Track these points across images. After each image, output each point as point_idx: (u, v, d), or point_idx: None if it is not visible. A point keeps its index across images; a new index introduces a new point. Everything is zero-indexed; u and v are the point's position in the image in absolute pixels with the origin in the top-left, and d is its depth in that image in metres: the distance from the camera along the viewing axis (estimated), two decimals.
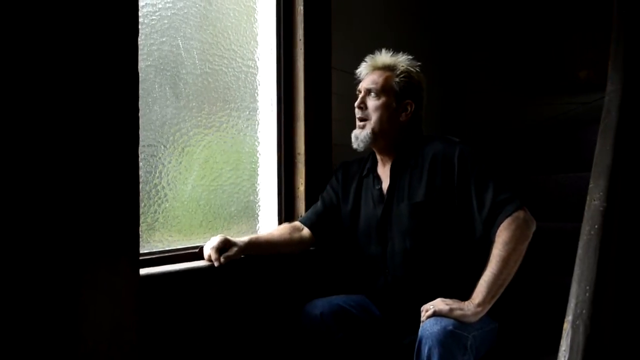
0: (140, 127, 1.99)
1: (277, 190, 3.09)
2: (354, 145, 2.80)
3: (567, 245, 2.49)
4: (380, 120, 2.75)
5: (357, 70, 2.89)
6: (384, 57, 2.84)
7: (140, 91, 2.01)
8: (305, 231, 2.89)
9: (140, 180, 2.08)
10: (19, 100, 1.69)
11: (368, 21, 3.61)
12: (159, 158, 2.51)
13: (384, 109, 2.75)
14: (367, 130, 2.75)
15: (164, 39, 2.53)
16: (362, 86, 2.82)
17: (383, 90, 2.76)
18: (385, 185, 2.79)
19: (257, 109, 3.05)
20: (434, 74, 4.17)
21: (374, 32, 3.61)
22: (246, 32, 2.99)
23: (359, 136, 2.78)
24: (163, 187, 2.52)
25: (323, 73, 3.19)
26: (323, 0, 3.19)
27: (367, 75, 2.84)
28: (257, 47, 3.05)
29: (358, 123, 2.80)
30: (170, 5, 2.56)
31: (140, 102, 1.99)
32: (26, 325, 1.72)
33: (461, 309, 2.41)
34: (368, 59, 2.88)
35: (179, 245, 2.59)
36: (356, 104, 2.80)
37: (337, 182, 2.97)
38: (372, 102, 2.77)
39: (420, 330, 2.40)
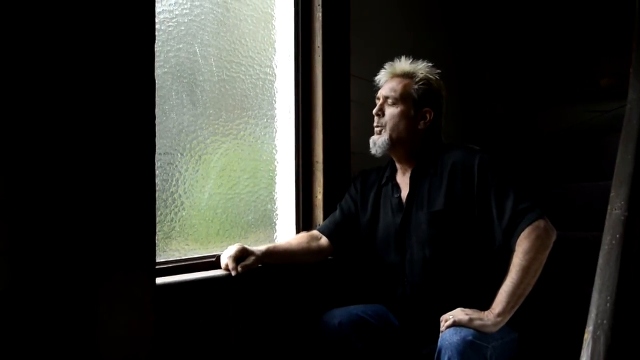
0: (156, 134, 1.98)
1: (295, 198, 3.07)
2: (372, 151, 2.77)
3: (587, 255, 2.45)
4: (398, 127, 2.72)
5: (376, 77, 2.86)
6: (403, 64, 2.82)
7: (157, 98, 2.00)
8: (324, 240, 2.87)
9: (157, 188, 2.06)
10: (34, 108, 1.68)
11: (387, 28, 3.59)
12: (176, 166, 2.49)
13: (402, 116, 2.73)
14: (385, 136, 2.73)
15: (180, 46, 2.52)
16: (381, 94, 2.80)
17: (401, 98, 2.74)
18: (404, 193, 2.77)
19: (275, 116, 3.03)
20: (454, 81, 4.15)
21: (393, 39, 3.59)
22: (264, 39, 2.97)
23: (377, 142, 2.75)
24: (180, 196, 2.50)
25: (341, 80, 3.17)
26: (342, 6, 3.17)
27: (386, 82, 2.81)
28: (275, 54, 3.04)
29: (375, 129, 2.78)
30: (187, 11, 2.55)
31: (156, 110, 1.98)
32: (43, 334, 1.71)
33: (481, 319, 2.38)
34: (387, 65, 2.85)
35: (196, 254, 2.58)
36: (374, 111, 2.78)
37: (356, 190, 2.94)
38: (390, 110, 2.74)
39: (439, 340, 2.37)
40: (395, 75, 2.81)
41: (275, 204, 3.03)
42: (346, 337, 2.58)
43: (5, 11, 1.63)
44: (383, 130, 2.74)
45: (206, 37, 2.65)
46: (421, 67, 2.80)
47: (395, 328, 2.73)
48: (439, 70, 2.84)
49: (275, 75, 3.04)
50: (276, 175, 3.04)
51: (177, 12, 2.50)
